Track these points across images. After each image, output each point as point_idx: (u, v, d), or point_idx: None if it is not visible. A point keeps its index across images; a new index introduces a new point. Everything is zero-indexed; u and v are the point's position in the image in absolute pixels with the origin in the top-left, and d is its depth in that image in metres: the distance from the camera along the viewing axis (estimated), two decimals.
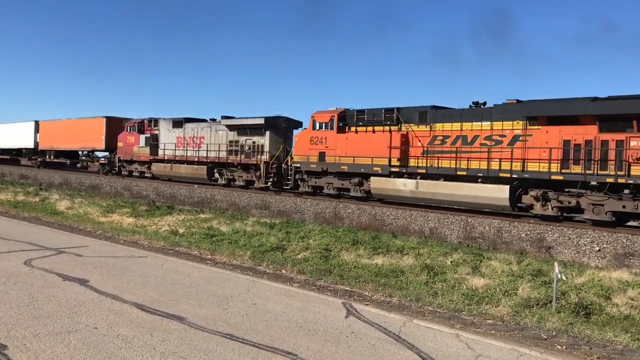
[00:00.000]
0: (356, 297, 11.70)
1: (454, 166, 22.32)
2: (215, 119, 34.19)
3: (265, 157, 30.51)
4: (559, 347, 8.87)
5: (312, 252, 16.91)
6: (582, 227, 18.50)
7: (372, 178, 24.91)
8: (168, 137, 36.96)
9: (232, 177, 33.02)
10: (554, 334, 9.54)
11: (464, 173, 22.07)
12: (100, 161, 44.77)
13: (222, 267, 14.49)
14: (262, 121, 30.60)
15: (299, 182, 28.56)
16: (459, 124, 22.44)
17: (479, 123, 21.94)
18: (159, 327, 8.77)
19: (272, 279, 13.30)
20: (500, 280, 13.54)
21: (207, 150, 34.13)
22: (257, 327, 9.03)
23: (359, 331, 9.11)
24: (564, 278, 11.69)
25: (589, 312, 11.12)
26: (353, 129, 26.00)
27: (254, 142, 31.27)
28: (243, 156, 31.86)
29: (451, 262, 15.72)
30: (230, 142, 32.65)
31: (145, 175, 39.42)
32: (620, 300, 11.98)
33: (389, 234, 20.86)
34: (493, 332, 9.57)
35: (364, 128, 25.53)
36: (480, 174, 21.65)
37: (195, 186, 33.36)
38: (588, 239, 17.72)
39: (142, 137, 38.82)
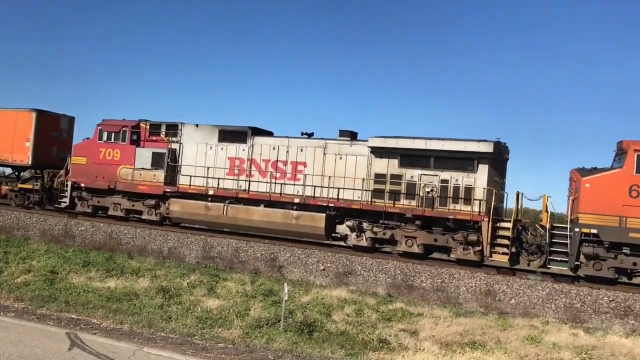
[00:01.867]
0: (83, 326, 10.90)
1: None
2: (309, 134, 21.61)
3: (480, 208, 18.29)
4: None
5: (34, 275, 15.32)
6: (311, 247, 20.05)
7: None
8: (206, 157, 22.34)
9: (385, 234, 19.51)
10: (280, 354, 10.11)
11: None
12: (18, 184, 26.58)
13: None
14: (479, 147, 18.43)
15: (585, 258, 16.90)
16: None
17: None
18: None
19: None
20: (235, 301, 13.91)
21: (327, 187, 20.36)
22: None
23: None
24: (286, 298, 12.46)
25: (312, 330, 12.04)
26: None
27: (444, 182, 18.96)
28: (413, 202, 19.23)
29: (188, 283, 15.69)
30: (379, 176, 19.86)
31: (143, 218, 23.29)
32: (338, 317, 13.25)
33: (125, 254, 20.01)
34: (224, 356, 9.76)
35: None
36: None
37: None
38: (315, 259, 19.26)
39: (143, 153, 23.10)
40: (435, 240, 18.86)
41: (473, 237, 18.16)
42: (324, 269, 19.02)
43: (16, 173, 27.76)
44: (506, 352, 10.94)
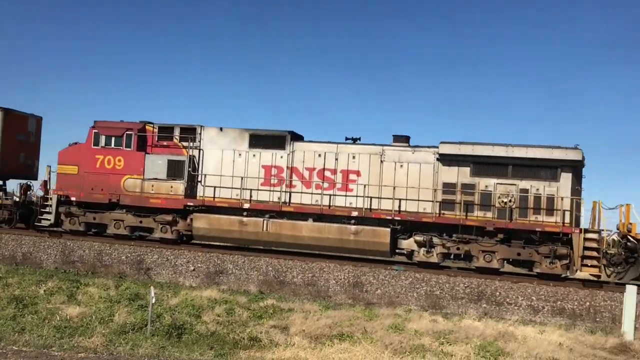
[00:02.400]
0: None
1: None
2: (354, 139, 19.88)
3: (565, 219, 17.51)
4: None
5: None
6: (180, 247, 19.51)
7: None
8: (234, 165, 20.07)
9: (459, 249, 18.13)
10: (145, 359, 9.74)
11: None
12: None
13: None
14: (567, 155, 17.76)
15: None
16: None
17: None
18: None
19: None
20: (97, 307, 13.22)
21: (389, 199, 18.56)
22: None
23: None
24: (153, 302, 12.06)
25: (181, 333, 11.73)
26: None
27: (524, 191, 18.00)
28: (489, 214, 18.15)
29: (45, 290, 14.68)
30: (448, 185, 18.53)
31: (155, 237, 20.46)
32: (208, 318, 13.04)
33: None
34: None
35: None
36: None
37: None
38: (184, 259, 18.78)
39: (156, 160, 20.33)
40: (519, 254, 17.70)
41: (563, 250, 17.21)
42: (194, 270, 18.61)
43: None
44: (372, 342, 11.36)
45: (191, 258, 18.80)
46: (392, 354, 10.75)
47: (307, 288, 17.72)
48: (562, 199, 17.58)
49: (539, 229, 17.39)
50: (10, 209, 21.96)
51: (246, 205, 19.29)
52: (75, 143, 21.17)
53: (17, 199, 22.26)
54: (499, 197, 17.95)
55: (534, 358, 11.11)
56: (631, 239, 16.94)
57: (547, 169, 17.88)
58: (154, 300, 11.84)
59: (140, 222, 20.29)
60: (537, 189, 17.86)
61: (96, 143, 20.49)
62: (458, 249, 18.01)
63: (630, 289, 13.27)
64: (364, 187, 18.77)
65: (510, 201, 17.84)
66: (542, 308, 16.21)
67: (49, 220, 20.68)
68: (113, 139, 20.42)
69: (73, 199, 20.51)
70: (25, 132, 23.26)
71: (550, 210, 17.72)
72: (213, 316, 13.18)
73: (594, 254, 16.96)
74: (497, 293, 16.65)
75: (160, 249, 19.15)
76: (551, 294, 16.38)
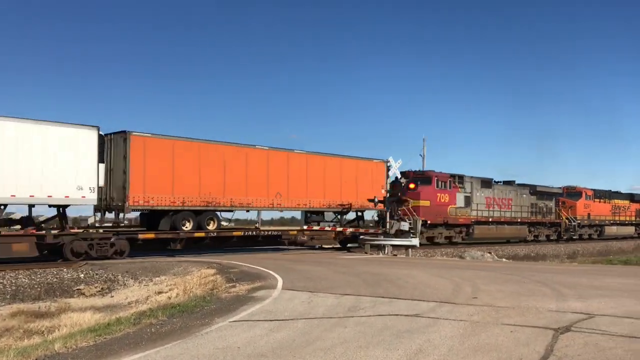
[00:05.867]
0: None
1: None
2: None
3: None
4: None
5: None
6: None
7: None
8: (476, 197, 36.57)
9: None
10: None
11: None
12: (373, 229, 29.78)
13: None
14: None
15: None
16: None
17: None
18: None
19: None
20: None
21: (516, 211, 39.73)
22: None
23: None
24: None
25: None
26: None
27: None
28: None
29: None
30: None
31: (454, 241, 35.40)
32: None
33: None
34: None
35: None
36: None
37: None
38: None
39: (461, 196, 35.32)
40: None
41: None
42: None
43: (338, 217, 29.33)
44: None
45: None
46: None
47: None
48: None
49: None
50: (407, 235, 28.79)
51: (492, 219, 37.20)
52: (410, 186, 32.22)
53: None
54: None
55: None
56: None
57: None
58: None
59: (449, 233, 34.85)
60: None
61: (437, 186, 33.48)
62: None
63: None
64: (514, 207, 39.61)
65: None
66: None
67: (415, 237, 28.01)
68: (441, 182, 33.79)
69: (429, 222, 32.08)
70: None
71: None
72: None
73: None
74: None
75: None
76: None
